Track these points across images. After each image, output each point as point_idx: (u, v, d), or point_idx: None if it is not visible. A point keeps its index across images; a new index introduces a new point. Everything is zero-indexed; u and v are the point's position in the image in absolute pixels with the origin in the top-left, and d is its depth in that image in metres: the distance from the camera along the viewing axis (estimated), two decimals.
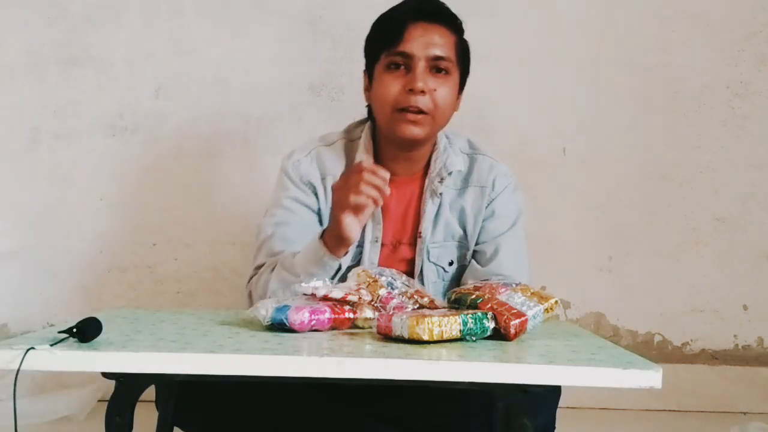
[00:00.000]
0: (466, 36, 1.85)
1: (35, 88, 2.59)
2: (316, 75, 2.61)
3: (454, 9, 1.82)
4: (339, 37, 2.55)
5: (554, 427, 1.70)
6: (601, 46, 2.64)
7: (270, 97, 2.61)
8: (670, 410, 2.58)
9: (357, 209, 1.58)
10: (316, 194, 1.83)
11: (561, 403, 1.68)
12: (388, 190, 1.59)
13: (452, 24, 1.79)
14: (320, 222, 1.83)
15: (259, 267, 1.79)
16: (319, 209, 1.83)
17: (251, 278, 1.80)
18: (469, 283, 1.78)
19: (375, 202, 1.59)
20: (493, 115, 2.61)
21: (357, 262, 1.79)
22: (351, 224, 1.59)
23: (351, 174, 1.61)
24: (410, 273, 1.81)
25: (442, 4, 1.81)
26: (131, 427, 1.24)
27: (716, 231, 2.66)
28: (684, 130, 2.65)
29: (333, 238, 1.61)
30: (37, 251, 2.60)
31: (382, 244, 1.81)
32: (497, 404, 1.48)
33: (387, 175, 1.59)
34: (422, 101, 1.72)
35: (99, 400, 2.38)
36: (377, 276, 1.47)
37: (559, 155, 2.65)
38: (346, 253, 1.64)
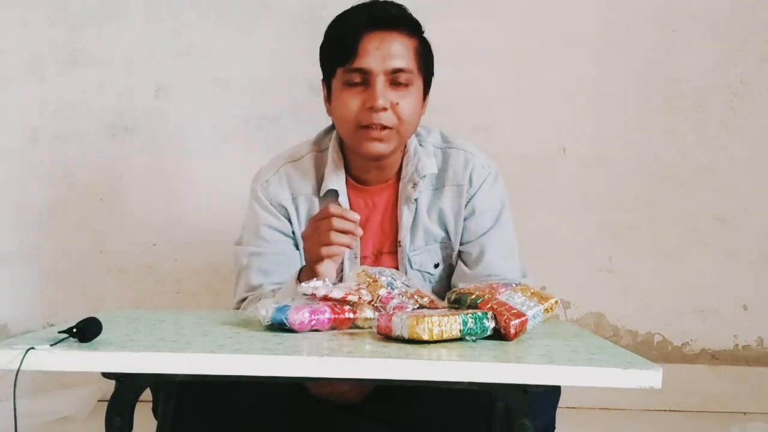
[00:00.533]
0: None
1: (35, 88, 2.59)
2: (316, 75, 2.58)
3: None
4: None
5: (554, 427, 1.69)
6: (601, 46, 2.64)
7: (270, 97, 2.61)
8: (670, 410, 2.58)
9: (330, 257, 1.55)
10: (288, 217, 1.77)
11: (561, 403, 1.67)
12: (360, 232, 1.54)
13: (410, 27, 1.69)
14: (296, 245, 1.78)
15: (241, 301, 1.76)
16: (294, 231, 1.78)
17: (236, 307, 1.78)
18: (460, 287, 1.76)
19: (348, 246, 1.55)
20: (493, 115, 2.61)
21: (340, 279, 1.74)
22: (326, 270, 1.55)
23: (320, 222, 1.55)
24: None
25: (396, 6, 1.70)
26: (131, 427, 1.24)
27: (716, 231, 2.66)
28: (684, 130, 2.66)
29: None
30: (37, 251, 2.60)
31: (363, 257, 1.77)
32: (497, 404, 1.48)
33: (357, 217, 1.54)
34: (384, 117, 1.63)
35: (99, 400, 2.38)
36: (377, 276, 1.47)
37: (559, 155, 2.65)
38: None
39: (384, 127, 1.65)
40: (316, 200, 1.77)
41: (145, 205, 2.61)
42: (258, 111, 2.61)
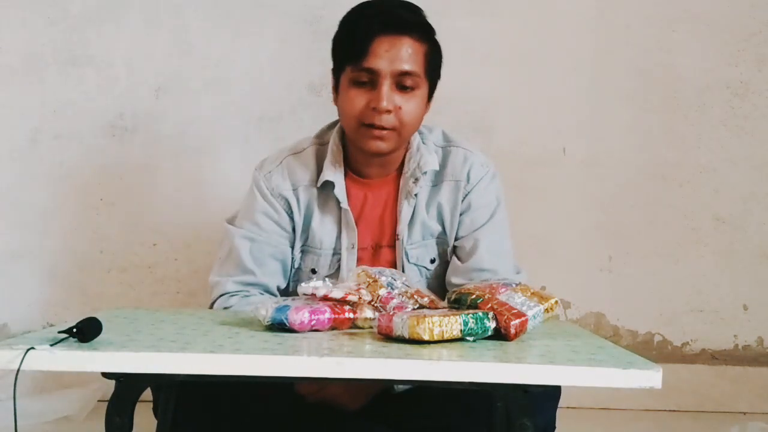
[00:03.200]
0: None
1: (35, 88, 2.59)
2: (316, 75, 2.60)
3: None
4: None
5: (554, 427, 1.70)
6: (601, 47, 2.64)
7: (270, 97, 2.61)
8: (670, 410, 2.58)
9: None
10: (289, 209, 1.79)
11: (561, 403, 1.67)
12: None
13: (421, 32, 1.71)
14: (293, 235, 1.80)
15: (226, 276, 1.79)
16: (293, 223, 1.79)
17: (217, 284, 1.80)
18: (452, 281, 1.78)
19: None
20: (493, 115, 2.61)
21: (336, 269, 1.78)
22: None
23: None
24: None
25: (410, 10, 1.72)
26: (131, 427, 1.24)
27: (716, 231, 2.66)
28: (684, 130, 2.66)
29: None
30: (37, 251, 2.60)
31: (362, 249, 1.79)
32: (497, 404, 1.48)
33: None
34: (386, 119, 1.67)
35: (99, 400, 2.38)
36: (377, 276, 1.47)
37: (559, 155, 2.64)
38: None
39: (385, 128, 1.68)
40: (314, 190, 1.80)
41: (145, 205, 2.61)
42: (258, 111, 2.61)
